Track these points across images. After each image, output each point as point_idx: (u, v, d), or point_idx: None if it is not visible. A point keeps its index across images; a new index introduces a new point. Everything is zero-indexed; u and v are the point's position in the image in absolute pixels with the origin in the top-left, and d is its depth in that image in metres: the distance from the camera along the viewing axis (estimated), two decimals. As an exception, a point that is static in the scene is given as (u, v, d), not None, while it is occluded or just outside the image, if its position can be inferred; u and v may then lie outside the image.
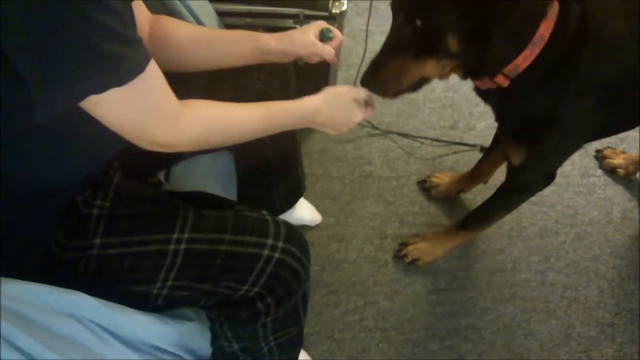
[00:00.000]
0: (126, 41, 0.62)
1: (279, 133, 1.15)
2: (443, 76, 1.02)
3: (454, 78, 1.15)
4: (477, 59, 0.96)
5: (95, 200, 0.81)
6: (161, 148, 0.73)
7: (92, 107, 0.64)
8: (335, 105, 0.91)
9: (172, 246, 0.80)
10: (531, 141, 1.14)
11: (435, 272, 1.52)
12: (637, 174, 1.75)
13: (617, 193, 1.72)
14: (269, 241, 0.85)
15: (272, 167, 1.24)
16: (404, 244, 1.53)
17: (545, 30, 0.96)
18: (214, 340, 0.96)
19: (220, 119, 0.80)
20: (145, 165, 0.97)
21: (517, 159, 1.19)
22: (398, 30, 0.96)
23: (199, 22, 1.14)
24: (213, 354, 0.98)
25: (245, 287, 0.85)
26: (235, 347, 0.96)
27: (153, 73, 0.67)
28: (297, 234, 0.90)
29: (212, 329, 0.95)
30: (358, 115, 0.93)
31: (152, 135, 0.71)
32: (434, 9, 0.89)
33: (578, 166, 1.77)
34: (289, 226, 0.89)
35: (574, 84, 1.02)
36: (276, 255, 0.85)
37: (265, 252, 0.84)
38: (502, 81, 1.02)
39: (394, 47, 0.97)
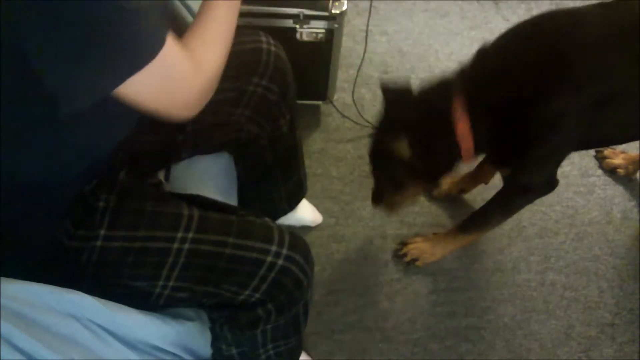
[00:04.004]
0: (153, 17, 0.62)
1: (279, 136, 1.16)
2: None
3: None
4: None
5: (101, 194, 0.81)
6: (193, 111, 0.73)
7: (124, 90, 0.63)
8: None
9: (176, 245, 0.80)
10: (510, 164, 1.26)
11: (435, 272, 1.52)
12: (637, 174, 1.75)
13: (617, 193, 1.72)
14: (273, 247, 0.84)
15: (272, 168, 1.24)
16: (404, 243, 1.53)
17: (462, 129, 1.16)
18: (214, 341, 0.96)
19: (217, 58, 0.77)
20: (145, 165, 0.97)
21: (503, 173, 1.30)
22: (381, 180, 1.39)
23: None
24: (212, 354, 0.98)
25: (247, 292, 0.85)
26: (234, 351, 0.96)
27: (170, 41, 0.67)
28: (301, 242, 0.90)
29: (212, 330, 0.95)
30: None
31: (184, 102, 0.71)
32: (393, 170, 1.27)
33: (578, 166, 1.77)
34: (293, 234, 0.89)
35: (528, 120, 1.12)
36: (279, 262, 0.84)
37: (269, 259, 0.84)
38: (471, 160, 1.23)
39: (383, 187, 1.39)
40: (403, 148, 1.18)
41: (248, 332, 0.92)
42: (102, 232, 0.79)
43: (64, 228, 0.78)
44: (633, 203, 1.70)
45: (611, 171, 1.75)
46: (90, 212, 0.79)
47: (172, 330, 0.83)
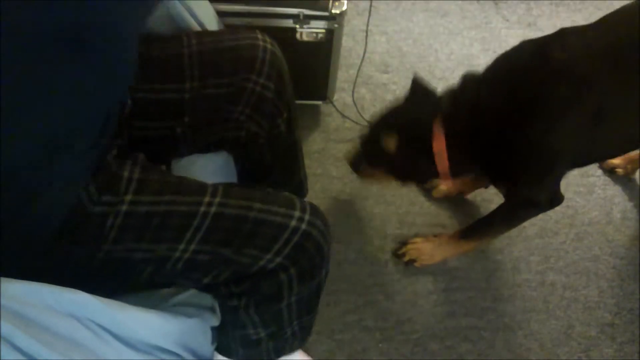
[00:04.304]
0: None
1: (278, 135, 1.16)
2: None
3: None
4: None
5: (125, 165, 0.83)
6: None
7: None
8: None
9: (202, 208, 0.82)
10: (509, 183, 1.28)
11: (435, 272, 1.52)
12: (636, 174, 1.75)
13: (616, 193, 1.72)
14: (296, 213, 0.87)
15: (272, 169, 1.24)
16: (404, 243, 1.53)
17: (437, 147, 1.22)
18: (239, 330, 0.96)
19: None
20: (148, 157, 0.97)
21: (502, 191, 1.34)
22: (364, 150, 1.43)
23: (200, 23, 1.14)
24: (235, 350, 0.98)
25: (268, 257, 0.85)
26: (262, 334, 0.97)
27: None
28: (320, 211, 0.92)
29: (237, 319, 0.95)
30: None
31: None
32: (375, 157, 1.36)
33: (578, 166, 1.78)
34: (313, 204, 0.92)
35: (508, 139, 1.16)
36: (303, 226, 0.86)
37: (293, 223, 0.86)
38: (448, 179, 1.29)
39: (363, 160, 1.44)
40: (391, 143, 1.26)
41: (274, 307, 0.93)
42: (129, 197, 0.80)
43: (89, 193, 0.78)
44: (633, 203, 1.70)
45: (610, 171, 1.75)
46: (115, 180, 0.81)
47: (173, 328, 0.83)
